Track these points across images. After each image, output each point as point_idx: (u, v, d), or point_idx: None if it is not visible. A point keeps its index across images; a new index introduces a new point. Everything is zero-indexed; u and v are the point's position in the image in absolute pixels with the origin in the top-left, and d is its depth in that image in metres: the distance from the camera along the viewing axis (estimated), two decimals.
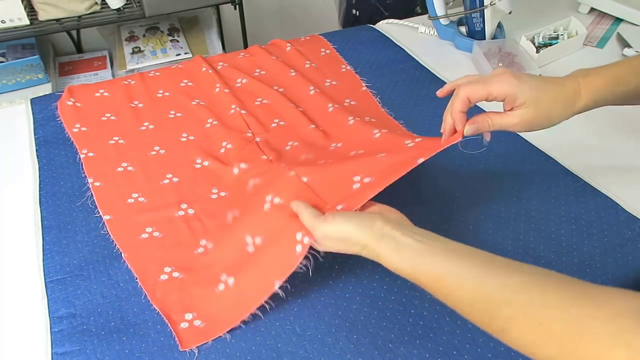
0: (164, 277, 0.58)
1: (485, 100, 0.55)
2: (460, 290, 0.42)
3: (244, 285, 0.55)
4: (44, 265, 0.60)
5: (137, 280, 0.57)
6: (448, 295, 0.43)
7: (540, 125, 0.54)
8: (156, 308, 0.55)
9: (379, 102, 0.85)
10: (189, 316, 0.54)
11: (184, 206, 0.66)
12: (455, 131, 0.56)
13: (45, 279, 0.58)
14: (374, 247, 0.47)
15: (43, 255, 0.61)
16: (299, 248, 0.54)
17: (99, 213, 0.65)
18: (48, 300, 0.56)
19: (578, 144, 0.77)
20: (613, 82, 0.55)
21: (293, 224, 0.56)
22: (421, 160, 0.55)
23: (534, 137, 0.77)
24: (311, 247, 0.52)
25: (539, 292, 0.38)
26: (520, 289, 0.39)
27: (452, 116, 0.55)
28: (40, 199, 0.67)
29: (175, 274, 0.58)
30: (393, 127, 0.79)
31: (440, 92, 0.60)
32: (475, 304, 0.41)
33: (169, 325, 0.53)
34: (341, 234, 0.49)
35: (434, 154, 0.55)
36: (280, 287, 0.53)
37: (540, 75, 0.56)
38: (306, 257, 0.53)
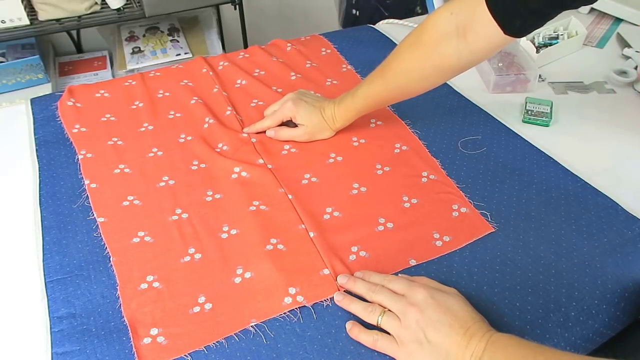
0: (144, 285, 0.57)
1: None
2: None
3: (220, 313, 0.55)
4: (43, 265, 0.60)
5: (117, 287, 0.57)
6: None
7: (314, 137, 0.76)
8: (125, 319, 0.54)
9: None
10: (154, 331, 0.53)
11: (178, 211, 0.66)
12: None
13: (45, 279, 0.58)
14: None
15: (43, 255, 0.61)
16: (287, 300, 0.55)
17: (94, 215, 0.65)
18: (48, 300, 0.56)
19: (578, 144, 0.77)
20: (361, 110, 0.73)
21: (289, 277, 0.57)
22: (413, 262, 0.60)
23: (534, 137, 0.77)
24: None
25: None
26: None
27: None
28: (40, 199, 0.67)
29: (156, 284, 0.57)
30: (397, 128, 0.79)
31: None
32: None
33: (131, 339, 0.52)
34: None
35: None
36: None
37: (317, 96, 0.80)
38: (294, 313, 0.54)
